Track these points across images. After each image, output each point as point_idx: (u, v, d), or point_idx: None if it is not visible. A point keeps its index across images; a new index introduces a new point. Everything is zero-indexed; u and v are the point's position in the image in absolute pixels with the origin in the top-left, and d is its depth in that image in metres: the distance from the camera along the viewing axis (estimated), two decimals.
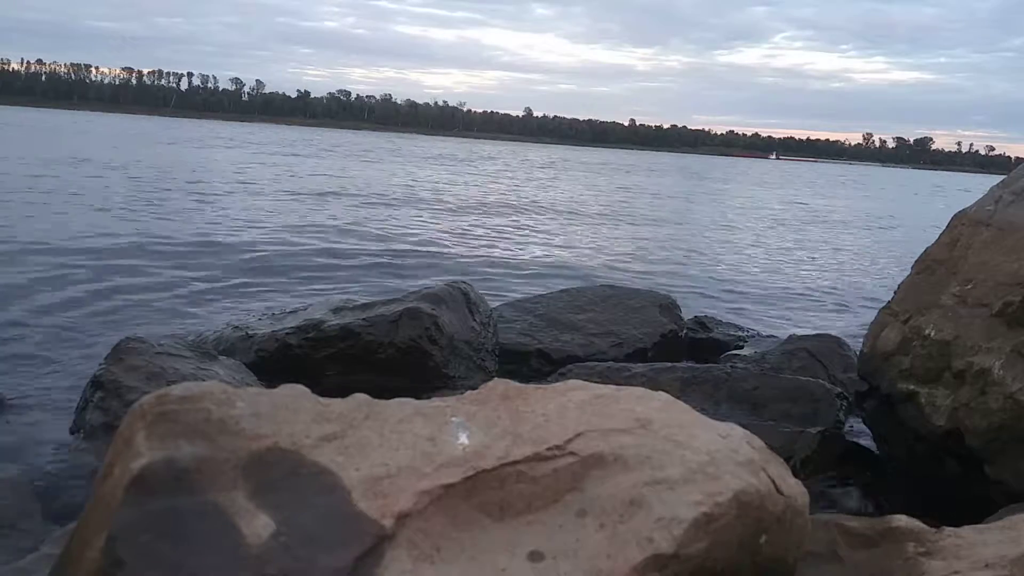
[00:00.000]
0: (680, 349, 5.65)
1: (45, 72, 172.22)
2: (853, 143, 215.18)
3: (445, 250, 10.68)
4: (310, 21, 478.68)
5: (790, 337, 5.41)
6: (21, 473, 3.19)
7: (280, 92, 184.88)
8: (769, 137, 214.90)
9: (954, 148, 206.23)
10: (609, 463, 1.46)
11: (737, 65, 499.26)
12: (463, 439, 1.50)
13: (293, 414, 1.49)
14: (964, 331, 3.11)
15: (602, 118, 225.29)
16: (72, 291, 6.46)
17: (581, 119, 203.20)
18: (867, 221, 22.52)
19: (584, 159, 70.68)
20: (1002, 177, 3.77)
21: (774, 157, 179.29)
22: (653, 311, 5.75)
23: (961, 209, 3.61)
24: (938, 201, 35.31)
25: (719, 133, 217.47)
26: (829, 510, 3.23)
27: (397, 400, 1.61)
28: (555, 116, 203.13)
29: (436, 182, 25.36)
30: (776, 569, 1.53)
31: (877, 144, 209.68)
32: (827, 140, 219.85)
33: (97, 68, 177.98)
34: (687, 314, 6.28)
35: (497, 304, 5.86)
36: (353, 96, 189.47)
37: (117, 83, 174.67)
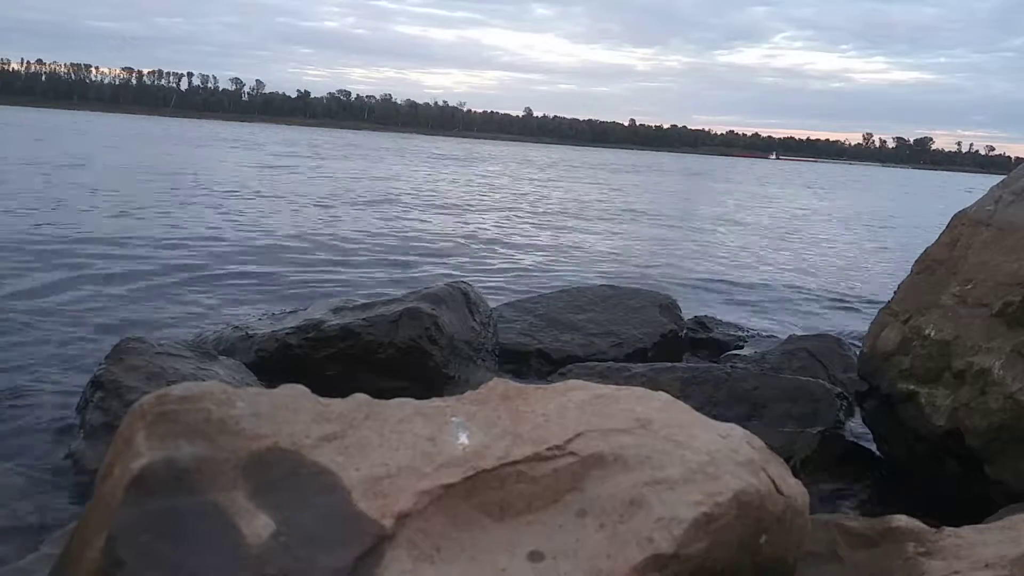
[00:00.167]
0: (680, 349, 5.65)
1: (45, 72, 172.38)
2: (853, 143, 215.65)
3: (445, 250, 10.68)
4: (310, 21, 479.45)
5: (790, 337, 5.41)
6: (21, 473, 3.19)
7: (280, 92, 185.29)
8: (769, 137, 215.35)
9: (954, 148, 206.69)
10: (609, 463, 1.46)
11: (737, 65, 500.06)
12: (463, 439, 1.50)
13: (293, 414, 1.49)
14: (964, 331, 3.11)
15: (602, 118, 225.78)
16: (72, 291, 6.46)
17: (581, 119, 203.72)
18: (867, 221, 22.51)
19: (584, 159, 70.69)
20: (1002, 177, 3.77)
21: (774, 157, 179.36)
22: (653, 311, 5.75)
23: (961, 209, 3.61)
24: (938, 201, 35.30)
25: (719, 133, 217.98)
26: (829, 510, 3.24)
27: (397, 400, 1.61)
28: (555, 116, 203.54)
29: (436, 181, 25.37)
30: (776, 569, 1.53)
31: (877, 144, 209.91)
32: (827, 140, 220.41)
33: (97, 68, 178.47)
34: (687, 314, 6.28)
35: (497, 304, 5.86)
36: (353, 96, 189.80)
37: (117, 83, 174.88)
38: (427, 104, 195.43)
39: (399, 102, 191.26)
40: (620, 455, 1.47)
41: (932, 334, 3.23)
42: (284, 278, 7.82)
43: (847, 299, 9.09)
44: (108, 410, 3.34)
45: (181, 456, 1.33)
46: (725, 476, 1.44)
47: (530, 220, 15.61)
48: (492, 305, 5.46)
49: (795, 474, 1.65)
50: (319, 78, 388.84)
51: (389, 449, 1.45)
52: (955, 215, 3.59)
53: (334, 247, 10.04)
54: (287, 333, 4.39)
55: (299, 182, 20.96)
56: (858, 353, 4.12)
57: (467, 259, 10.06)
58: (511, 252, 10.96)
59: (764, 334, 6.40)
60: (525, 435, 1.52)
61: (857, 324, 7.06)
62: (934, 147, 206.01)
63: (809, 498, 1.63)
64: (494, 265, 9.74)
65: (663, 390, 1.76)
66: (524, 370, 4.98)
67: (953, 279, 3.32)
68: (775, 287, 9.56)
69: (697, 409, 1.69)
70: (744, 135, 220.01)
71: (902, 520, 1.93)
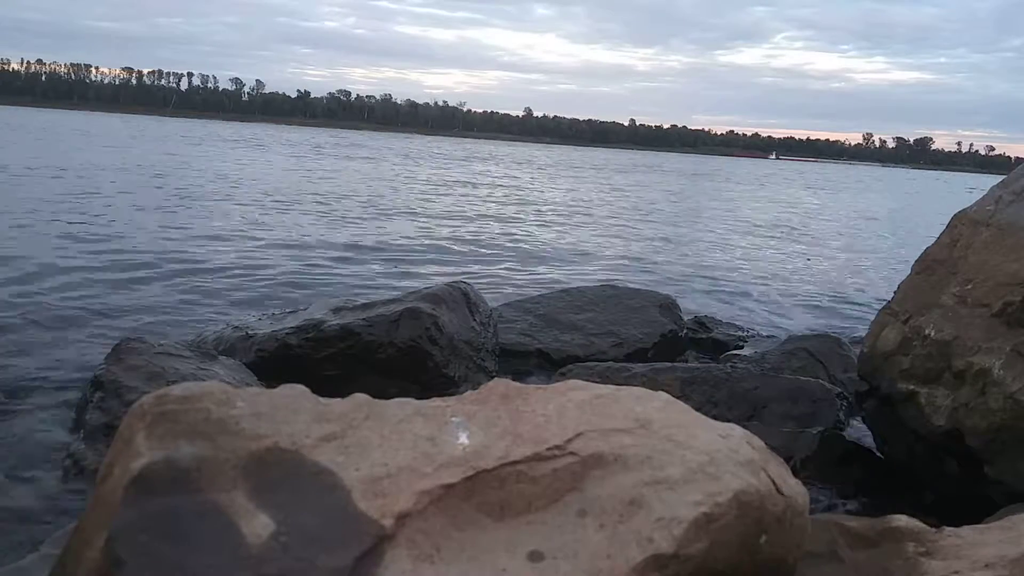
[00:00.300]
0: (680, 349, 5.65)
1: (45, 72, 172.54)
2: (853, 143, 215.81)
3: (445, 250, 10.68)
4: (310, 21, 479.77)
5: (790, 337, 5.41)
6: (21, 473, 3.20)
7: (280, 92, 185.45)
8: (769, 137, 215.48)
9: (954, 148, 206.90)
10: (609, 463, 1.46)
11: (737, 65, 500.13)
12: (463, 439, 1.50)
13: (293, 414, 1.49)
14: (964, 331, 3.11)
15: (602, 118, 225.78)
16: (72, 291, 6.46)
17: (581, 119, 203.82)
18: (867, 221, 22.51)
19: (585, 159, 70.68)
20: (1002, 177, 3.77)
21: (774, 157, 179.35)
22: (653, 311, 5.75)
23: (961, 209, 3.61)
24: (938, 201, 35.30)
25: (719, 133, 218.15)
26: (829, 510, 3.24)
27: (397, 400, 1.61)
28: (555, 116, 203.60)
29: (436, 181, 25.36)
30: (776, 569, 1.53)
31: (877, 144, 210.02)
32: (827, 140, 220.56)
33: (97, 68, 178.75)
34: (687, 314, 6.29)
35: (497, 304, 5.86)
36: (353, 96, 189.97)
37: (117, 83, 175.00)
38: (427, 104, 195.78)
39: (399, 102, 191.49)
40: (620, 455, 1.47)
41: (932, 334, 3.23)
42: (284, 278, 7.82)
43: (847, 299, 9.10)
44: (108, 410, 3.34)
45: (181, 456, 1.33)
46: (725, 476, 1.44)
47: (530, 220, 15.61)
48: (492, 305, 5.45)
49: (795, 474, 1.65)
50: (319, 78, 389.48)
51: (389, 449, 1.45)
52: (955, 215, 3.59)
53: (334, 247, 10.04)
54: (287, 333, 4.39)
55: (299, 182, 20.96)
56: (858, 353, 4.11)
57: (467, 259, 10.07)
58: (511, 252, 10.96)
59: (764, 334, 6.41)
60: (525, 435, 1.52)
61: (857, 324, 7.07)
62: (934, 147, 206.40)
63: (809, 498, 1.63)
64: (494, 265, 9.74)
65: (663, 390, 1.76)
66: (524, 370, 4.99)
67: (953, 279, 3.32)
68: (775, 287, 9.56)
69: (697, 409, 1.69)
70: (744, 135, 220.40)
71: (902, 520, 1.92)
